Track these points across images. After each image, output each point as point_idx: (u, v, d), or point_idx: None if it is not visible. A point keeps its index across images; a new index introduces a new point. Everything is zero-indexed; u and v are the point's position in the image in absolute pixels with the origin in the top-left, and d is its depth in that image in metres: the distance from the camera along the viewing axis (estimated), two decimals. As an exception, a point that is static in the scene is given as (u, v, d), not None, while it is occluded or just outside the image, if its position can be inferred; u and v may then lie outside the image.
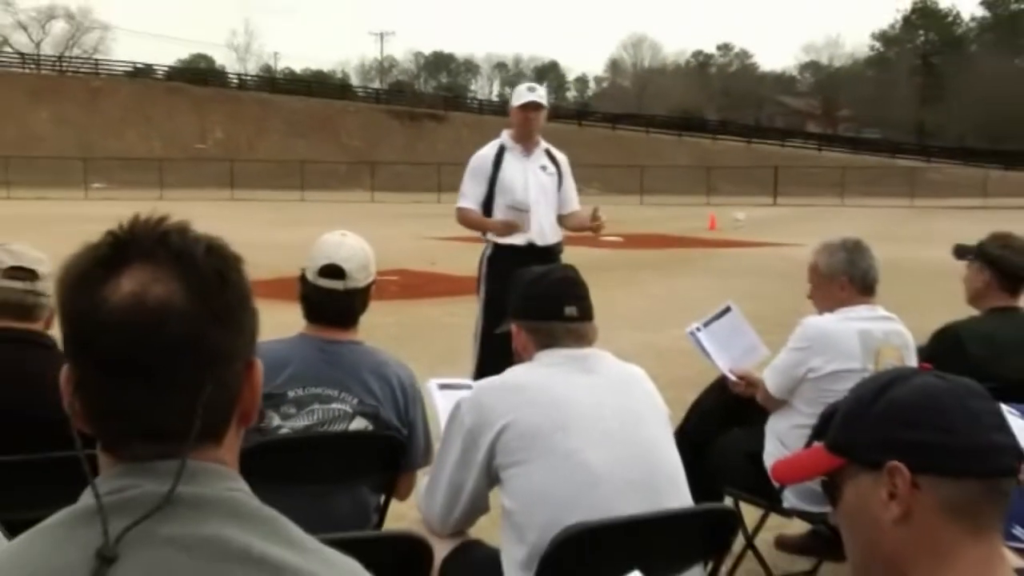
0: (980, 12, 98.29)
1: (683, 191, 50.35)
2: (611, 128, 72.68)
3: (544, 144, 6.05)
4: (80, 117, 63.50)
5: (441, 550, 2.67)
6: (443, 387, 3.35)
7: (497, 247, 5.90)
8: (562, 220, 6.07)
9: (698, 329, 4.24)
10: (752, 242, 23.93)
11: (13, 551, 1.11)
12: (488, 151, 6.02)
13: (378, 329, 5.26)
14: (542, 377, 2.70)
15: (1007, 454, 1.34)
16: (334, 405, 3.07)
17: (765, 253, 21.06)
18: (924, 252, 17.50)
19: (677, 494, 2.68)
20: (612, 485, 2.54)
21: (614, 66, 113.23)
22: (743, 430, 4.15)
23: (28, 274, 2.95)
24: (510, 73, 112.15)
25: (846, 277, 3.91)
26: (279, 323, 2.83)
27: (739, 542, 3.43)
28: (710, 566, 2.73)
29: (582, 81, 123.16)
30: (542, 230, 5.90)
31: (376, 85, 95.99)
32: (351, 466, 3.12)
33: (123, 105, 65.80)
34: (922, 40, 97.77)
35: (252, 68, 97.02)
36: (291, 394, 3.05)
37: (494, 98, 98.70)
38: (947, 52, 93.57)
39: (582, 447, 2.56)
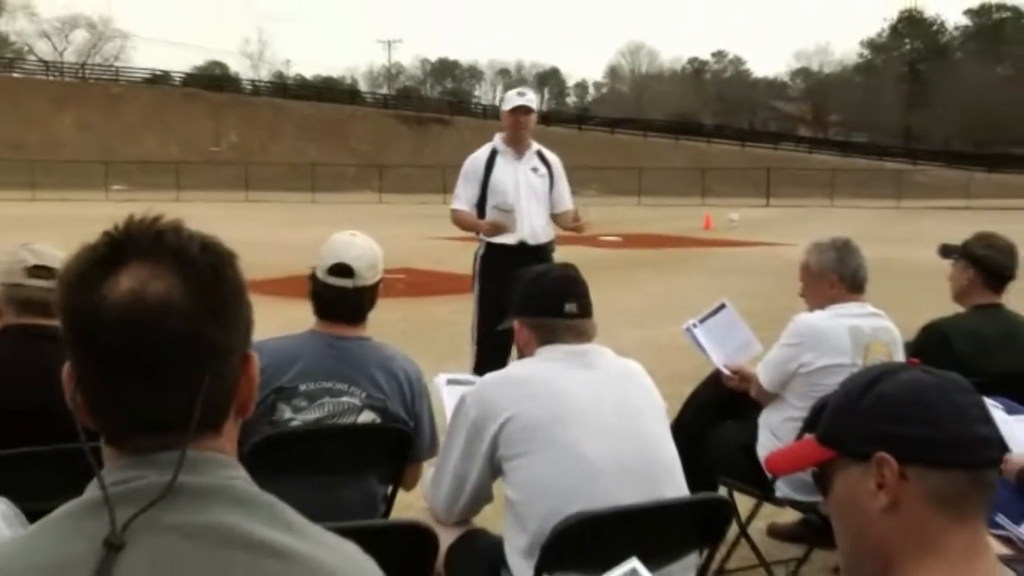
0: (964, 21, 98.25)
1: (679, 193, 50.34)
2: (610, 132, 72.59)
3: (536, 146, 6.07)
4: (101, 122, 63.58)
5: (446, 538, 2.67)
6: (450, 382, 3.35)
7: (489, 246, 5.95)
8: (555, 218, 6.11)
9: (694, 325, 4.23)
10: (746, 242, 23.92)
11: (23, 542, 1.11)
12: (481, 154, 6.06)
13: (385, 325, 5.25)
14: (543, 372, 2.69)
15: (991, 446, 1.34)
16: (343, 399, 3.07)
17: (758, 252, 21.05)
18: (911, 251, 17.47)
19: (674, 484, 2.68)
20: (611, 476, 2.54)
21: (613, 72, 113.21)
22: (737, 423, 4.15)
23: (50, 273, 2.95)
24: (512, 79, 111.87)
25: (836, 275, 3.90)
26: (290, 320, 2.83)
27: (733, 530, 3.43)
28: (705, 553, 2.73)
29: (582, 87, 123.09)
30: (533, 230, 5.93)
31: (384, 91, 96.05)
32: (359, 457, 3.12)
33: (142, 110, 65.87)
34: (908, 48, 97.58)
35: (265, 75, 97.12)
36: (302, 388, 3.05)
37: (497, 103, 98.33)
38: (932, 59, 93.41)
39: (582, 439, 2.56)
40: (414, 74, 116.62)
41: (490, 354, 5.64)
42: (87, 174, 49.91)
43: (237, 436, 1.22)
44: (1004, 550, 1.67)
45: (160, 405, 1.11)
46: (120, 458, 1.13)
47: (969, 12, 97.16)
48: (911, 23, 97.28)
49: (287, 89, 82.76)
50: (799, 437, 1.51)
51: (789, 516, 4.38)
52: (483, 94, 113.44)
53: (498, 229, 5.82)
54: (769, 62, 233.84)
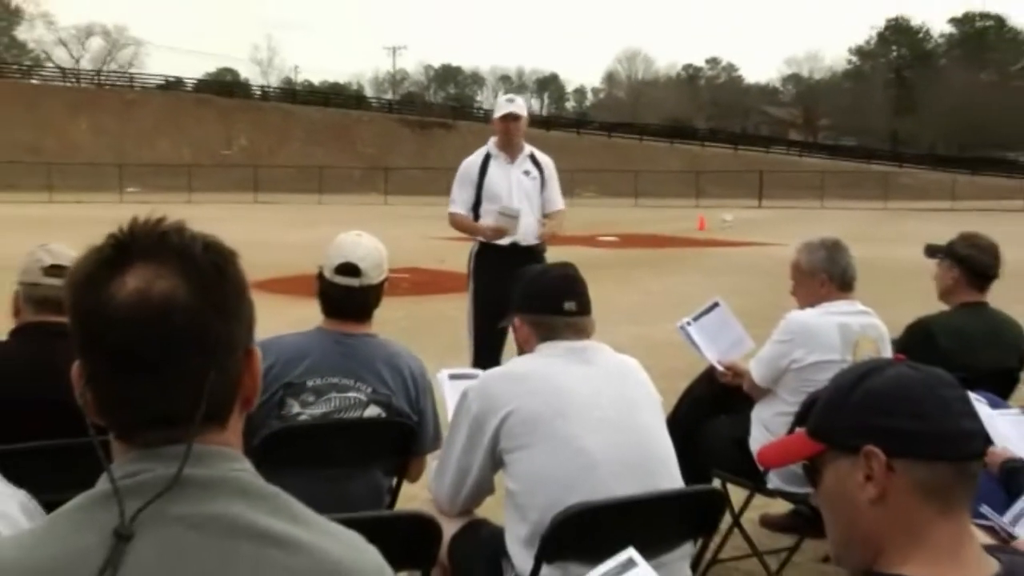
0: (949, 29, 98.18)
1: (675, 194, 50.33)
2: (607, 136, 72.58)
3: (528, 149, 6.10)
4: (116, 127, 63.53)
5: (449, 528, 2.67)
6: (453, 377, 3.35)
7: (484, 245, 6.02)
8: (545, 219, 6.14)
9: (688, 323, 4.23)
10: (739, 242, 23.89)
11: (39, 534, 1.12)
12: (475, 158, 6.10)
13: (390, 323, 5.25)
14: (543, 367, 2.69)
15: (975, 439, 1.34)
16: (350, 394, 3.07)
17: (751, 252, 21.04)
18: (897, 251, 17.45)
19: (669, 476, 2.68)
20: (608, 468, 2.54)
21: (610, 78, 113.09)
22: (730, 417, 4.14)
23: (66, 272, 2.95)
24: (513, 84, 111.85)
25: (826, 274, 3.90)
26: (299, 317, 2.83)
27: (726, 521, 3.43)
28: (700, 543, 2.73)
29: (580, 92, 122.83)
30: (525, 231, 5.96)
31: (389, 96, 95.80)
32: (365, 451, 3.12)
33: (155, 115, 65.82)
34: (895, 55, 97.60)
35: (274, 81, 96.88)
36: (310, 383, 3.05)
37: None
38: (918, 66, 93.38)
39: (580, 433, 2.56)
40: (418, 80, 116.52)
41: (486, 347, 5.74)
42: (102, 177, 49.85)
43: (243, 429, 1.22)
44: (988, 539, 1.67)
45: (167, 401, 1.11)
46: (129, 452, 1.13)
47: (954, 20, 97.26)
48: (898, 31, 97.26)
49: (295, 94, 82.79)
50: (790, 431, 1.51)
51: (781, 507, 4.38)
52: (485, 99, 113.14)
53: (501, 233, 5.85)
54: (761, 68, 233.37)
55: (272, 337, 3.09)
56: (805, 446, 1.42)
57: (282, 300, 10.94)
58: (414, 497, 3.66)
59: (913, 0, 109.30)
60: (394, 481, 3.24)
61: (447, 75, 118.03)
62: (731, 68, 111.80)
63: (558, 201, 6.18)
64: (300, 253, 14.26)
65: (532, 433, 2.56)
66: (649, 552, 1.83)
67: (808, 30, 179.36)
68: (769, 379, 3.91)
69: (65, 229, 17.16)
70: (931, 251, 4.27)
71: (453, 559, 2.74)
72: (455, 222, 6.16)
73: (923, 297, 4.68)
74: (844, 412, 1.37)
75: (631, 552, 1.73)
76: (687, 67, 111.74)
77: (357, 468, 3.10)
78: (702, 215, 32.34)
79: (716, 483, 3.93)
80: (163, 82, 75.73)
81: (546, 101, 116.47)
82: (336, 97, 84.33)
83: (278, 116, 70.15)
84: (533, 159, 6.10)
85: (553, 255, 5.99)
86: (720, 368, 4.15)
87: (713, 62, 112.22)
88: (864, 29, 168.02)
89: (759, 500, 4.06)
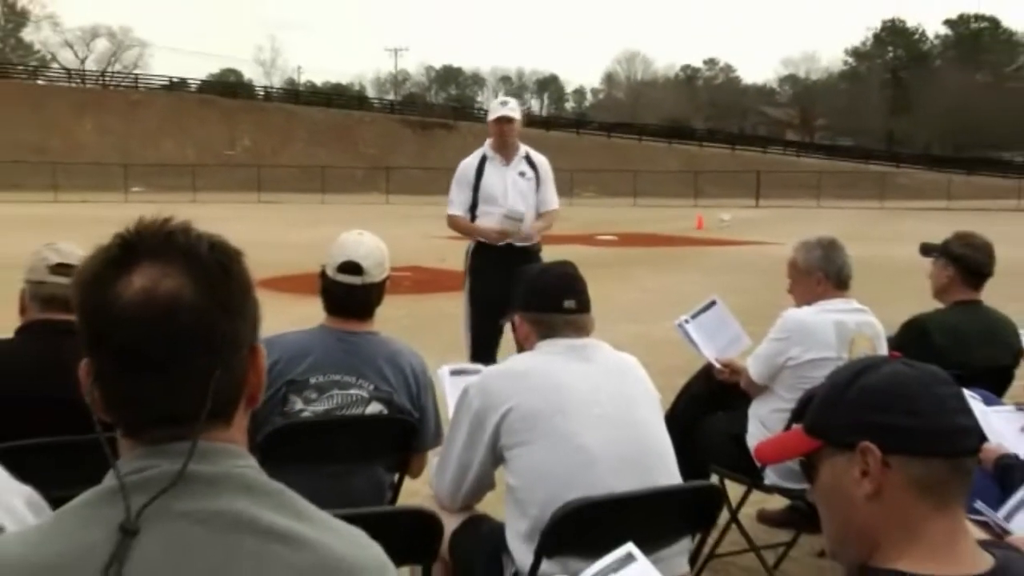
0: (944, 31, 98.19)
1: (673, 194, 50.32)
2: (607, 136, 72.55)
3: (524, 150, 6.11)
4: (120, 127, 63.53)
5: (450, 524, 2.67)
6: (454, 373, 3.35)
7: (480, 243, 6.06)
8: (539, 218, 6.15)
9: (686, 321, 4.23)
10: (736, 241, 23.89)
11: (46, 530, 1.12)
12: (471, 160, 6.12)
13: (392, 321, 5.26)
14: (543, 364, 2.69)
15: (970, 435, 1.34)
16: (352, 391, 3.06)
17: (748, 251, 21.03)
18: (893, 250, 17.45)
19: (667, 472, 2.68)
20: (607, 464, 2.54)
21: (609, 79, 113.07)
22: (727, 414, 4.14)
23: (72, 270, 2.95)
24: (514, 85, 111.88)
25: (822, 273, 3.90)
26: (301, 315, 2.83)
27: (724, 516, 3.42)
28: (698, 538, 2.73)
29: (580, 93, 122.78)
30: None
31: (391, 97, 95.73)
32: (367, 447, 3.12)
33: (160, 116, 65.82)
34: (891, 56, 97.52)
35: (277, 81, 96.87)
36: (313, 380, 3.05)
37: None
38: (914, 67, 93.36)
39: (580, 429, 2.56)
40: (419, 81, 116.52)
41: (482, 344, 5.79)
42: (107, 176, 49.85)
43: (248, 426, 1.22)
44: (982, 535, 1.67)
45: (173, 398, 1.11)
46: (135, 449, 1.13)
47: (949, 22, 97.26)
48: (893, 32, 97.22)
49: (298, 95, 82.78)
50: (787, 428, 1.51)
51: (777, 503, 4.38)
52: (485, 100, 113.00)
53: (503, 237, 5.87)
54: (758, 69, 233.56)
55: (276, 335, 3.09)
56: (801, 442, 1.42)
57: (285, 298, 10.94)
58: (415, 493, 3.66)
59: (908, 2, 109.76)
60: (396, 477, 3.24)
61: (448, 76, 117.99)
62: (729, 69, 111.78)
63: (553, 201, 6.19)
64: (303, 252, 14.27)
65: (532, 429, 2.56)
66: (648, 547, 1.83)
67: (805, 31, 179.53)
68: (766, 376, 3.91)
69: (70, 228, 17.16)
70: (926, 250, 4.27)
71: (454, 554, 2.74)
72: (454, 224, 6.17)
73: (918, 295, 4.67)
74: (840, 409, 1.37)
75: (630, 547, 1.73)
76: (685, 68, 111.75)
77: (359, 464, 3.10)
78: (700, 214, 32.33)
79: (714, 479, 3.92)
80: (167, 83, 75.75)
81: (546, 102, 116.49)
82: (339, 98, 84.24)
83: (281, 116, 70.12)
84: (528, 160, 6.11)
85: (552, 254, 5.98)
86: (718, 365, 4.15)
87: (711, 63, 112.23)
88: (860, 30, 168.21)
89: (756, 496, 4.06)
